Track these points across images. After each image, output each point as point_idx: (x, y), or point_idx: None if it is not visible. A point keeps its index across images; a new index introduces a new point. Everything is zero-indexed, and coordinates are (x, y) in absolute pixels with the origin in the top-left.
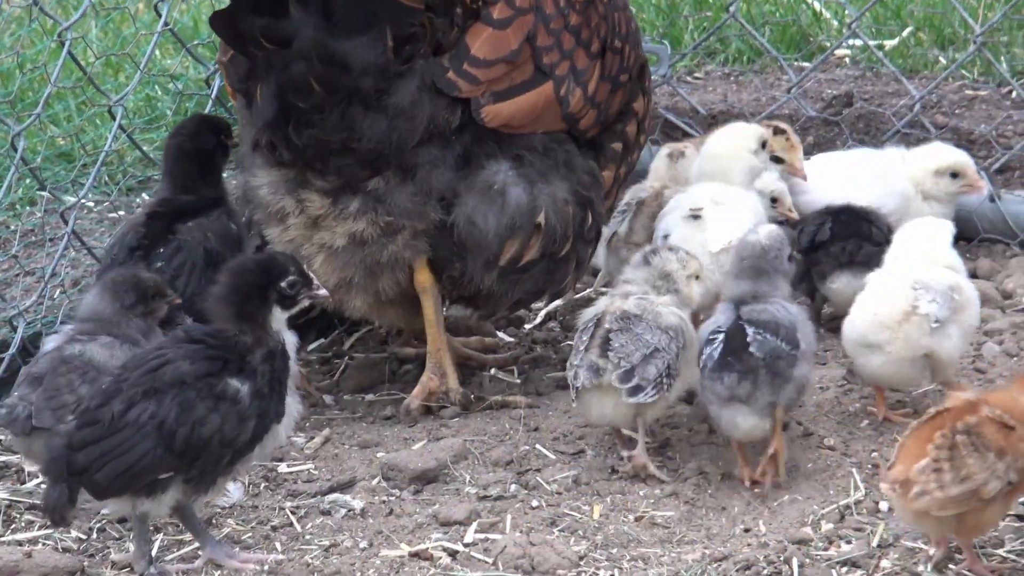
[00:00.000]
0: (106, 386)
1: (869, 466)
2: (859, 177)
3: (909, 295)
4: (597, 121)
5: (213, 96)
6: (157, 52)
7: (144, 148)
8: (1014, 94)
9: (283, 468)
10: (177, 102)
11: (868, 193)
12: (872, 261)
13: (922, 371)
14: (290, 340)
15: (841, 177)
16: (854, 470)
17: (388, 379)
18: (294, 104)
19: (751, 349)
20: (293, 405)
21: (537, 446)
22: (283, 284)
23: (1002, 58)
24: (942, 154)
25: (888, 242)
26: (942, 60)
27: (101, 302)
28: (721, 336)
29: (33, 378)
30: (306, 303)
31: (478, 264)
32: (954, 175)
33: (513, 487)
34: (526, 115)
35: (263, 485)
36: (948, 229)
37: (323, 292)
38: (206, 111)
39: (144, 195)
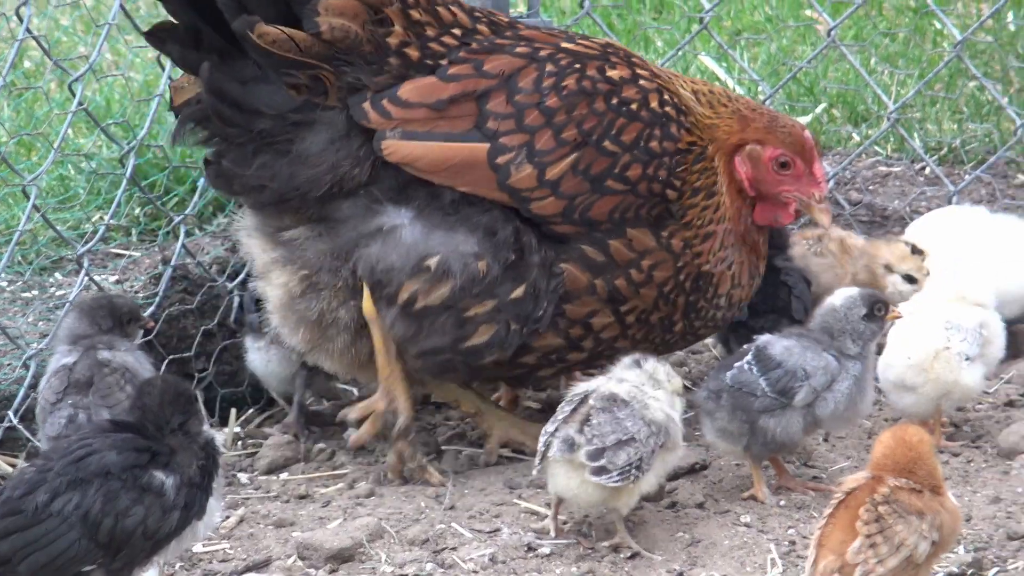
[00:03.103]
0: (29, 475)
1: (786, 543)
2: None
3: (942, 336)
4: (566, 215)
5: (128, 176)
6: (70, 131)
7: (58, 228)
8: (927, 170)
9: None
10: (91, 181)
11: None
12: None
13: (947, 402)
14: (218, 438)
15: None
16: (772, 546)
17: (303, 458)
18: (213, 133)
19: (727, 373)
20: (215, 505)
21: (453, 524)
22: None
23: (915, 134)
24: None
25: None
26: (855, 136)
27: (79, 325)
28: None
29: (73, 384)
30: None
31: (381, 300)
32: None
33: (429, 566)
34: (435, 162)
35: (179, 565)
36: (983, 265)
37: None
38: (119, 191)
39: (57, 274)
